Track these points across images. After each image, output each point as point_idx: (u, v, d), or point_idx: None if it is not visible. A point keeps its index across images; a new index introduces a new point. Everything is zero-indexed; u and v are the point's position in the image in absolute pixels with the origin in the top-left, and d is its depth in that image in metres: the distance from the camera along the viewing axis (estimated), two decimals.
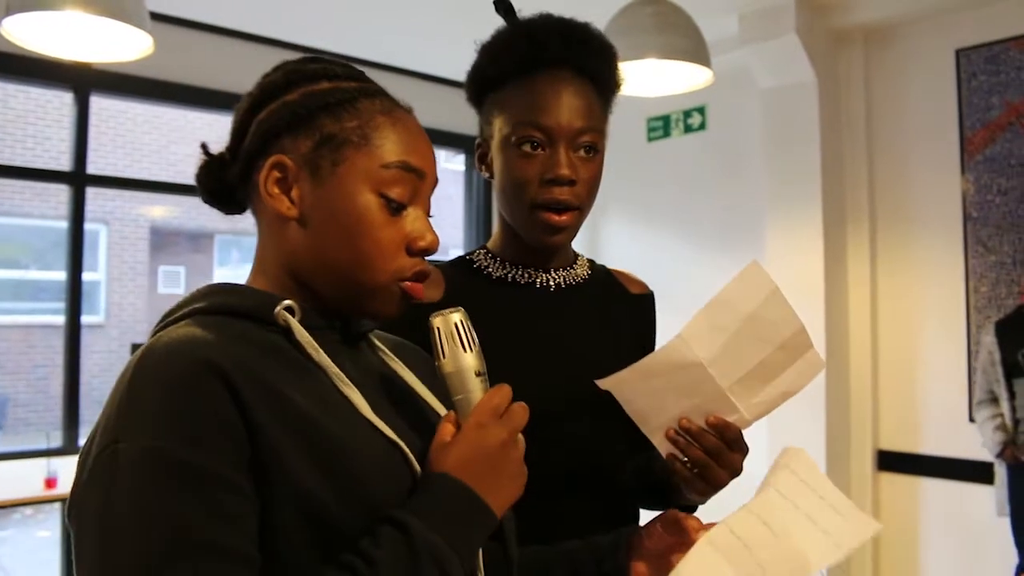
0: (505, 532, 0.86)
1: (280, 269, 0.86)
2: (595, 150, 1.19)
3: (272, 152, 0.84)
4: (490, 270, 1.27)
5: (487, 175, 1.25)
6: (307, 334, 0.80)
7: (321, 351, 0.80)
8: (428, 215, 0.88)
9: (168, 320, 0.82)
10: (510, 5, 1.27)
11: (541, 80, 1.17)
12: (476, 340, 0.85)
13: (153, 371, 0.71)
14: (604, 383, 1.08)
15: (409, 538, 0.72)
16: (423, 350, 0.93)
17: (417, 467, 0.81)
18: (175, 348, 0.72)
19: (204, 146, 0.90)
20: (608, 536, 1.00)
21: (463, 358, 0.83)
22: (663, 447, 1.10)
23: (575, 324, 1.26)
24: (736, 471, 1.11)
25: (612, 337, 1.28)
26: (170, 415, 0.69)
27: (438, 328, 0.84)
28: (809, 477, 0.91)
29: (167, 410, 0.69)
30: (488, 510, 0.78)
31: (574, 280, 1.29)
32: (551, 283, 1.27)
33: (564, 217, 1.17)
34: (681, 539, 0.94)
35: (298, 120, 0.83)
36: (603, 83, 1.22)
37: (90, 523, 0.69)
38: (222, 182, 0.89)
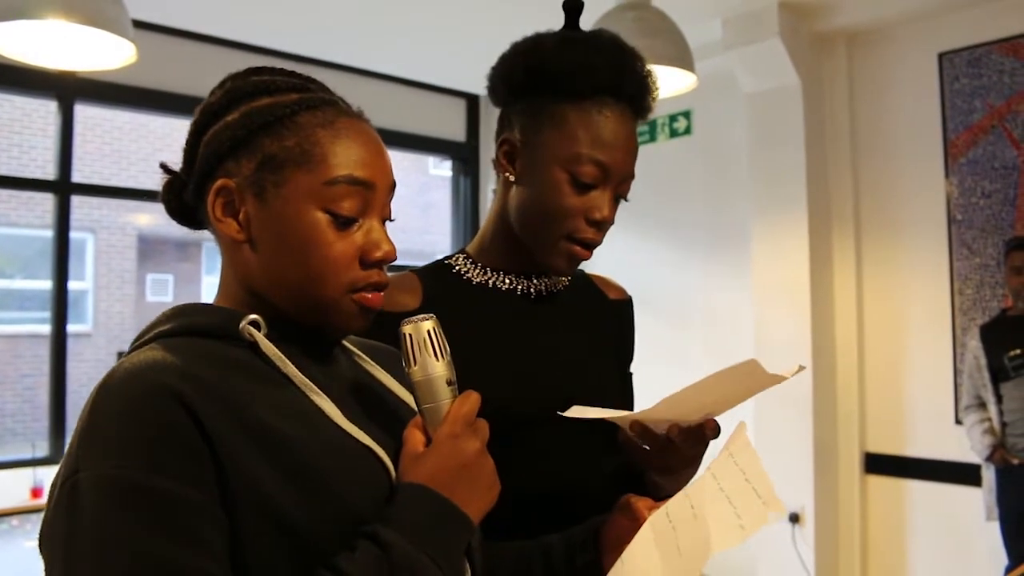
0: (472, 542, 0.86)
1: (241, 288, 0.85)
2: (626, 199, 1.19)
3: (218, 176, 0.83)
4: (470, 275, 1.25)
5: (509, 175, 1.20)
6: (273, 347, 0.80)
7: (288, 362, 0.80)
8: (387, 220, 0.87)
9: (136, 345, 0.81)
10: (579, 4, 1.23)
11: (610, 114, 1.14)
12: (447, 349, 0.84)
13: (112, 398, 0.71)
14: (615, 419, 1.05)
15: (388, 552, 0.71)
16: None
17: (393, 471, 0.80)
18: (133, 373, 0.72)
19: (164, 165, 0.89)
20: (582, 528, 1.00)
21: (434, 366, 0.82)
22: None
23: (553, 331, 1.24)
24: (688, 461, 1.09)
25: (589, 343, 1.27)
26: (128, 441, 0.68)
27: (409, 335, 0.83)
28: (740, 456, 0.90)
29: (125, 436, 0.69)
30: (467, 520, 0.78)
31: (555, 287, 1.27)
32: (531, 290, 1.25)
33: (588, 254, 1.18)
34: (634, 523, 0.94)
35: (238, 142, 0.82)
36: (641, 120, 1.21)
37: (56, 553, 0.68)
38: (182, 201, 0.88)
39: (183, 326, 0.81)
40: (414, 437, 0.81)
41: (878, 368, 3.98)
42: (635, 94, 1.16)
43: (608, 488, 1.25)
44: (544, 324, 1.24)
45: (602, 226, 1.15)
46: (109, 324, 10.12)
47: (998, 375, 3.34)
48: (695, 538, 0.85)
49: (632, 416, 1.02)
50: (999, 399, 3.33)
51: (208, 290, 11.01)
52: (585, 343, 1.27)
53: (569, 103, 1.14)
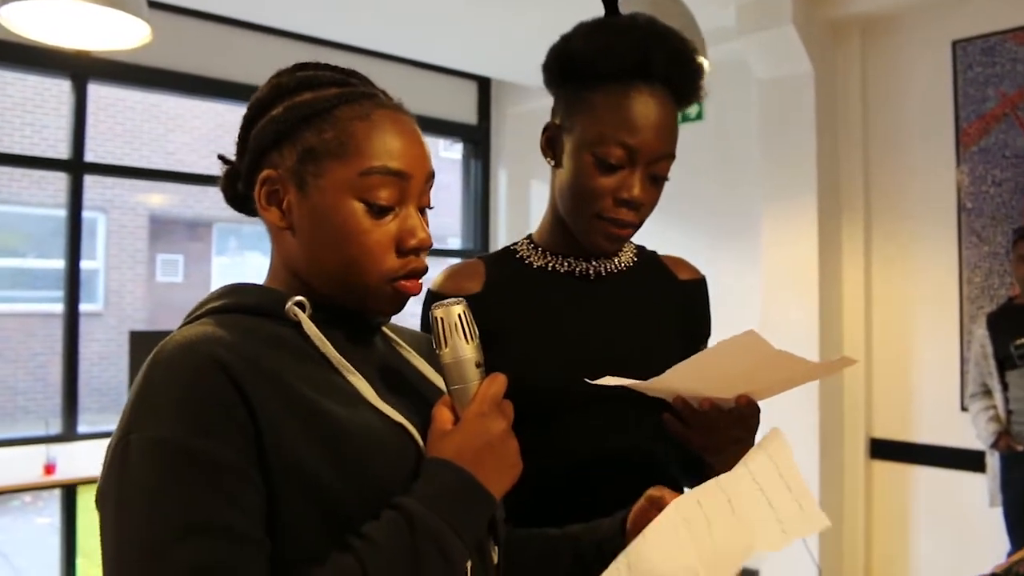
0: (495, 517, 0.89)
1: (287, 272, 0.89)
2: (666, 173, 1.20)
3: (264, 166, 0.87)
4: (531, 259, 1.29)
5: (551, 162, 1.25)
6: (314, 327, 0.84)
7: (327, 343, 0.84)
8: (426, 208, 0.90)
9: (188, 320, 0.85)
10: None
11: (637, 96, 1.15)
12: (476, 332, 0.86)
13: (163, 367, 0.75)
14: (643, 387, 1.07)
15: (412, 523, 0.75)
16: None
17: (423, 447, 0.84)
18: (184, 345, 0.76)
19: (222, 156, 0.94)
20: (608, 519, 1.03)
21: (463, 349, 0.85)
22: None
23: (610, 310, 1.27)
24: (739, 440, 1.12)
25: (650, 322, 1.29)
26: (178, 407, 0.72)
27: (440, 319, 0.85)
28: (781, 463, 0.91)
29: (175, 402, 0.73)
30: (489, 496, 0.81)
31: (615, 267, 1.30)
32: (590, 271, 1.28)
33: (625, 232, 1.20)
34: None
35: (281, 135, 0.86)
36: (686, 103, 1.22)
37: (108, 509, 0.73)
38: (237, 191, 0.93)
39: (233, 303, 0.85)
40: (442, 415, 0.84)
41: (885, 354, 3.99)
42: (668, 75, 1.17)
43: (664, 465, 1.28)
44: (599, 304, 1.27)
45: (632, 205, 1.17)
46: (120, 303, 10.18)
47: (1004, 363, 3.35)
48: (735, 533, 0.87)
49: (646, 385, 1.04)
50: (1005, 387, 3.35)
51: (219, 270, 11.05)
52: (641, 322, 1.28)
53: (598, 87, 1.17)
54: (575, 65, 1.18)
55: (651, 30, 1.17)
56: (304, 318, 0.84)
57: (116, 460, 0.73)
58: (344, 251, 0.85)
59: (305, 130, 0.86)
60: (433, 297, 1.25)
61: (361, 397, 0.83)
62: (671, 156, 1.19)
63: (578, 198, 1.19)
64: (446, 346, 0.85)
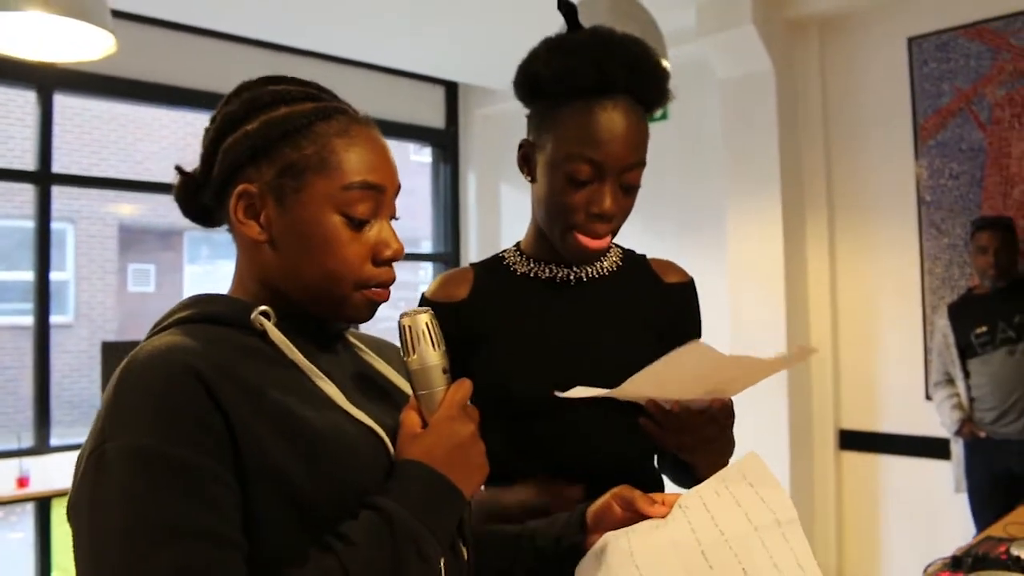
0: (464, 516, 0.92)
1: (256, 283, 0.91)
2: (638, 181, 1.23)
3: (239, 180, 0.88)
4: (516, 267, 1.34)
5: (528, 177, 1.28)
6: (281, 335, 0.86)
7: (294, 349, 0.86)
8: (393, 218, 0.93)
9: (156, 330, 0.87)
10: (573, 7, 1.27)
11: (600, 111, 1.17)
12: (442, 339, 0.90)
13: (136, 376, 0.77)
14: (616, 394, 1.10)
15: (389, 522, 0.78)
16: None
17: (391, 448, 0.86)
18: (156, 354, 0.78)
19: (179, 168, 0.94)
20: (566, 513, 1.06)
21: (430, 356, 0.88)
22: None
23: (591, 314, 1.31)
24: (709, 440, 1.16)
25: (631, 324, 1.32)
26: (152, 415, 0.74)
27: (408, 327, 0.88)
28: (791, 535, 0.89)
29: (149, 410, 0.74)
30: (460, 495, 0.84)
31: (597, 273, 1.34)
32: (571, 277, 1.32)
33: (600, 243, 1.23)
34: (632, 515, 0.98)
35: (258, 150, 0.87)
36: (653, 107, 1.25)
37: (83, 518, 0.74)
38: (198, 202, 0.94)
39: (200, 314, 0.87)
40: (411, 419, 0.87)
41: (851, 346, 4.07)
42: (630, 85, 1.20)
43: (643, 465, 1.31)
44: (580, 309, 1.31)
45: (603, 218, 1.21)
46: (91, 314, 10.10)
47: (966, 352, 3.43)
48: None
49: (611, 394, 1.08)
50: (967, 375, 3.43)
51: (190, 279, 10.98)
52: (622, 325, 1.32)
53: (563, 106, 1.20)
54: (540, 86, 1.22)
55: (609, 45, 1.20)
56: (270, 326, 0.86)
57: (91, 469, 0.74)
58: (324, 262, 0.87)
59: (284, 145, 0.87)
60: (425, 303, 1.29)
61: (331, 401, 0.85)
62: (640, 164, 1.22)
63: (552, 212, 1.23)
64: (414, 353, 0.88)
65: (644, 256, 1.43)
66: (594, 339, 1.29)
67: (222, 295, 0.92)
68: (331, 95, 0.95)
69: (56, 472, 3.61)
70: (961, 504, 3.47)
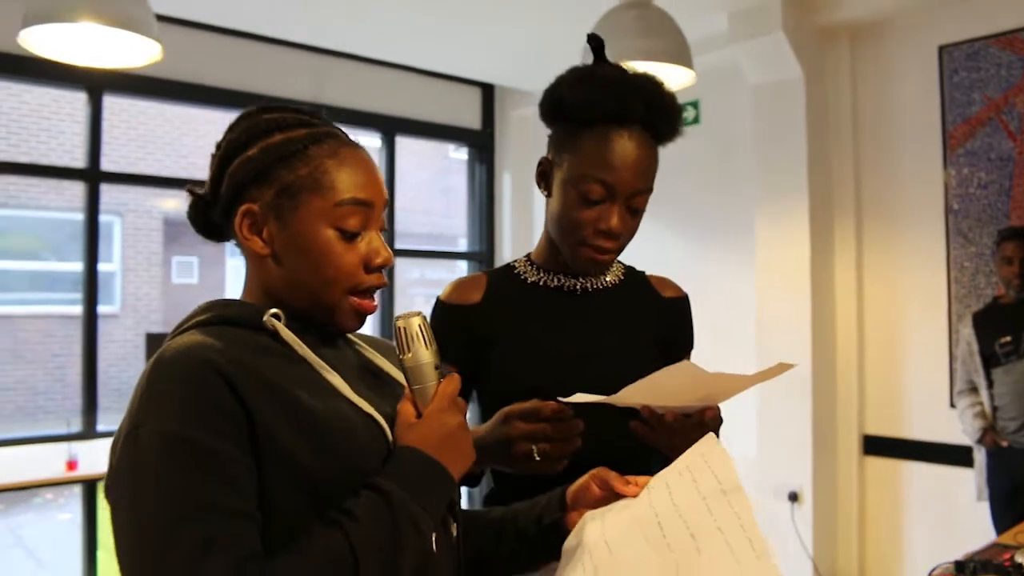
0: (453, 497, 1.03)
1: (262, 292, 1.02)
2: (644, 205, 1.36)
3: (243, 200, 0.99)
4: (526, 275, 1.46)
5: (544, 192, 1.41)
6: (290, 333, 0.97)
7: (303, 345, 0.97)
8: (382, 230, 1.04)
9: (178, 330, 0.98)
10: (601, 42, 1.41)
11: (616, 139, 1.31)
12: (434, 339, 1.00)
13: (166, 370, 0.87)
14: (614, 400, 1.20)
15: (389, 500, 0.88)
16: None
17: (390, 435, 0.97)
18: (182, 351, 0.88)
19: (191, 190, 1.06)
20: (547, 494, 1.16)
21: (423, 354, 0.98)
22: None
23: (594, 322, 1.43)
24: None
25: (630, 333, 1.45)
26: (181, 404, 0.85)
27: (403, 328, 0.99)
28: (734, 500, 0.97)
29: (178, 400, 0.85)
30: (451, 478, 0.95)
31: (601, 285, 1.46)
32: (577, 287, 1.45)
33: (606, 258, 1.36)
34: (608, 494, 1.08)
35: (259, 173, 0.98)
36: (663, 138, 1.37)
37: (122, 495, 0.85)
38: (208, 220, 1.06)
39: (217, 316, 0.98)
40: (407, 410, 0.98)
41: (876, 353, 4.09)
42: (645, 119, 1.33)
43: (636, 460, 1.40)
44: (584, 317, 1.43)
45: (610, 235, 1.33)
46: (136, 305, 10.36)
47: (989, 361, 3.45)
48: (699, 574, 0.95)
49: (609, 400, 1.18)
50: (990, 384, 3.44)
51: (232, 272, 11.22)
52: (622, 333, 1.44)
53: (582, 131, 1.33)
54: (563, 110, 1.35)
55: (630, 81, 1.33)
56: (280, 326, 0.96)
57: (127, 451, 0.85)
58: (321, 271, 0.98)
59: (281, 168, 0.98)
60: (442, 305, 1.43)
61: (337, 391, 0.96)
62: (647, 190, 1.35)
63: (564, 227, 1.36)
64: (408, 351, 0.98)
65: (643, 272, 1.55)
66: (596, 345, 1.41)
67: (236, 300, 1.03)
68: (323, 120, 1.05)
69: (103, 456, 3.77)
70: (983, 512, 3.49)
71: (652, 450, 1.41)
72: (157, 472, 0.83)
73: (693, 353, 1.57)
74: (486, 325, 1.41)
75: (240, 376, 0.87)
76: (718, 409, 1.26)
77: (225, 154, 1.02)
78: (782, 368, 1.13)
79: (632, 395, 1.16)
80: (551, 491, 1.16)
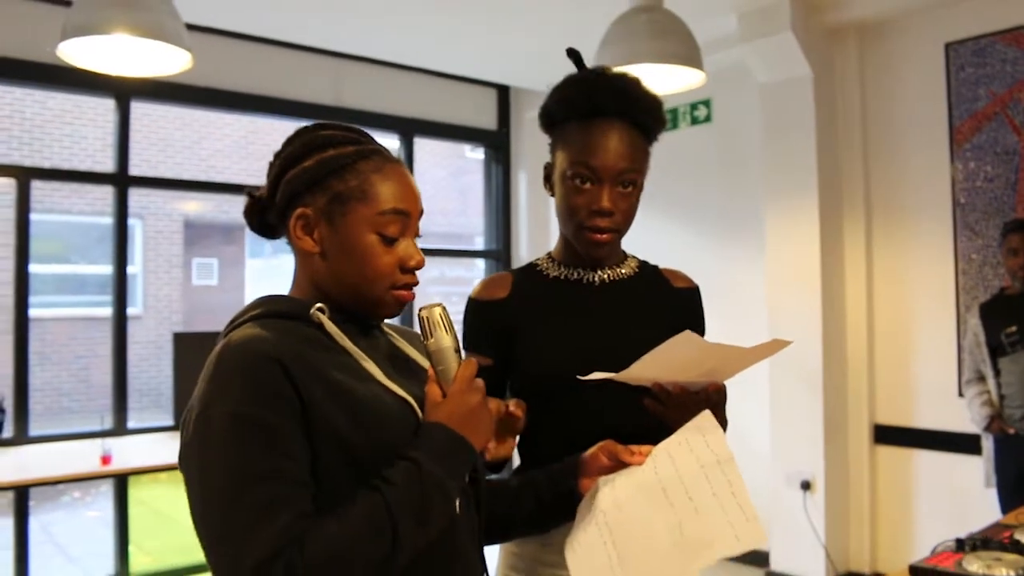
0: (477, 467, 1.17)
1: (311, 286, 1.16)
2: (633, 185, 1.49)
3: (298, 205, 1.13)
4: (548, 271, 1.60)
5: (550, 193, 1.56)
6: (334, 326, 1.10)
7: (345, 338, 1.11)
8: (416, 236, 1.18)
9: (235, 324, 1.11)
10: (579, 55, 1.57)
11: (595, 128, 1.45)
12: (452, 326, 1.14)
13: (230, 358, 1.01)
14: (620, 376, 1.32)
15: (420, 469, 1.01)
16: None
17: (421, 415, 1.10)
18: (243, 342, 1.02)
19: (249, 192, 1.19)
20: (562, 462, 1.31)
21: (444, 339, 1.12)
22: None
23: (611, 312, 1.55)
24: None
25: (644, 321, 1.56)
26: (244, 389, 0.98)
27: (425, 317, 1.13)
28: (729, 473, 1.14)
29: (241, 385, 0.98)
30: (472, 449, 1.09)
31: (617, 277, 1.59)
32: (595, 280, 1.57)
33: (604, 237, 1.49)
34: (616, 463, 1.24)
35: (314, 182, 1.12)
36: (647, 128, 1.51)
37: (194, 467, 0.98)
38: (263, 220, 1.19)
39: (269, 311, 1.11)
40: (433, 390, 1.11)
41: (886, 344, 4.18)
42: (620, 110, 1.46)
43: (648, 437, 1.53)
44: (602, 307, 1.56)
45: (603, 213, 1.46)
46: (158, 307, 10.54)
47: (996, 351, 3.52)
48: (699, 533, 1.11)
49: (622, 376, 1.30)
50: (997, 373, 3.51)
51: (251, 273, 11.38)
52: (637, 321, 1.56)
53: (566, 127, 1.50)
54: (549, 115, 1.52)
55: (600, 78, 1.49)
56: (325, 320, 1.09)
57: (200, 428, 0.98)
58: (363, 270, 1.12)
59: (333, 179, 1.11)
60: (473, 302, 1.58)
61: (373, 377, 1.09)
62: (633, 170, 1.47)
63: (565, 216, 1.51)
64: (431, 337, 1.12)
65: (656, 266, 1.67)
66: (613, 331, 1.53)
67: (284, 295, 1.16)
68: (369, 139, 1.19)
69: (134, 452, 3.90)
70: (991, 498, 3.56)
71: (662, 429, 1.52)
72: (226, 444, 0.96)
73: None
74: (512, 318, 1.54)
75: (293, 364, 1.00)
76: (723, 384, 1.38)
77: (283, 164, 1.15)
78: (779, 344, 1.25)
79: (640, 370, 1.28)
80: (564, 461, 1.30)
